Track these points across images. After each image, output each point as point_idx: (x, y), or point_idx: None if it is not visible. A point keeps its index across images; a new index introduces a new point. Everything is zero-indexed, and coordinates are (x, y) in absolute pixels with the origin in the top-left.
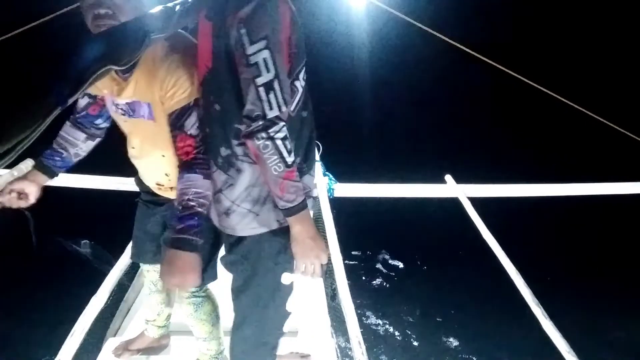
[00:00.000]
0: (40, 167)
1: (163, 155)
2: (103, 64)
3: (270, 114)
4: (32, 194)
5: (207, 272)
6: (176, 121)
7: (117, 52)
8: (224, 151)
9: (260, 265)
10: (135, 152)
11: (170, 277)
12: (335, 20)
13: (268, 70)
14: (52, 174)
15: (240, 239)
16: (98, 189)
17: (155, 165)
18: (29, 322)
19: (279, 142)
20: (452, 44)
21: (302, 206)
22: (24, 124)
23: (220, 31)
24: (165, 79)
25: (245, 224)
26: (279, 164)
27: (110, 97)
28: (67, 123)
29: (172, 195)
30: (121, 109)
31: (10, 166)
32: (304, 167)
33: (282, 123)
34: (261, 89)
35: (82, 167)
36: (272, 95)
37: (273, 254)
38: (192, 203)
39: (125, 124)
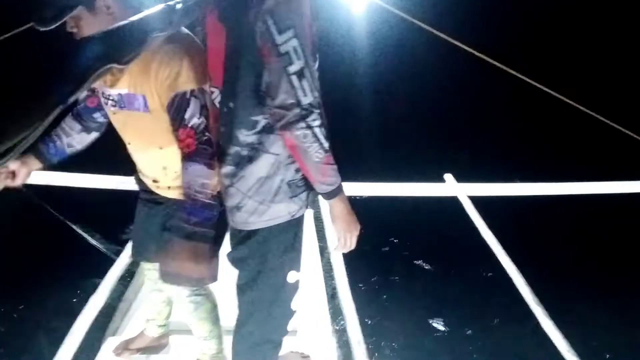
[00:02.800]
0: (34, 151)
1: (160, 148)
2: (104, 63)
3: (305, 101)
4: (21, 174)
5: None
6: (176, 114)
7: (119, 50)
8: (232, 148)
9: (266, 262)
10: (132, 147)
11: (189, 271)
12: (335, 19)
13: (299, 58)
14: (43, 159)
15: (249, 235)
16: (98, 188)
17: (153, 159)
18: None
19: (317, 130)
20: (453, 43)
21: (341, 187)
22: (24, 123)
23: (235, 32)
24: (159, 69)
25: (256, 217)
26: (319, 151)
27: (101, 87)
28: (69, 114)
29: (169, 194)
30: (112, 100)
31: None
32: None
33: (318, 111)
34: (294, 77)
35: (83, 165)
36: (304, 82)
37: (280, 251)
38: (201, 196)
39: (114, 117)
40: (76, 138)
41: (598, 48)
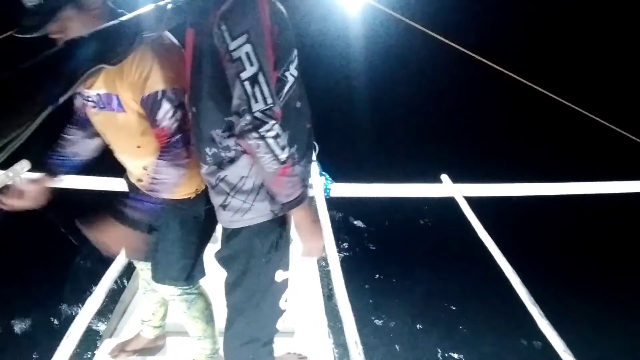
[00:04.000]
0: (42, 168)
1: (138, 147)
2: (95, 63)
3: (256, 107)
4: (31, 192)
5: (196, 269)
6: (150, 114)
7: (109, 51)
8: (210, 149)
9: (252, 262)
10: (113, 147)
11: (107, 245)
12: (331, 20)
13: (252, 64)
14: (50, 173)
15: (234, 234)
16: (97, 189)
17: (134, 159)
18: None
19: (270, 141)
20: (449, 45)
21: (301, 199)
22: (14, 124)
23: (201, 33)
24: (130, 69)
25: (239, 215)
26: (272, 162)
27: (80, 89)
28: (68, 124)
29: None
30: (92, 100)
31: (4, 167)
32: (295, 157)
33: (273, 121)
34: (246, 83)
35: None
36: (257, 89)
37: (264, 251)
38: (155, 187)
39: (95, 118)
40: (81, 146)
41: (598, 48)
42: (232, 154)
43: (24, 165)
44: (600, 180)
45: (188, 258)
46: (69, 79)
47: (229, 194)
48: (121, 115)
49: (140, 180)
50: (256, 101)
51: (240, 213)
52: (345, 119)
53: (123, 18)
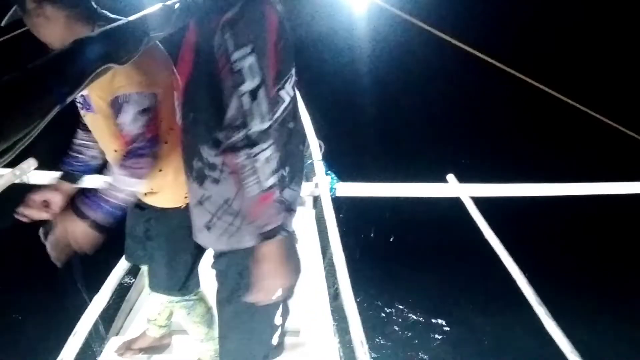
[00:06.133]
0: (62, 175)
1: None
2: (103, 63)
3: (254, 127)
4: (56, 202)
5: (190, 279)
6: (114, 117)
7: (118, 50)
8: (196, 163)
9: (244, 278)
10: (102, 149)
11: (65, 238)
12: (337, 20)
13: (253, 77)
14: (72, 179)
15: (223, 252)
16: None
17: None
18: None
19: (259, 164)
20: (454, 44)
21: (274, 233)
22: (22, 123)
23: (203, 38)
24: None
25: (226, 238)
26: (254, 185)
27: None
28: (80, 127)
29: (148, 200)
30: (79, 102)
31: (11, 166)
32: (286, 180)
33: (269, 142)
34: (245, 97)
35: None
36: (255, 104)
37: None
38: (102, 192)
39: (85, 119)
40: (95, 148)
41: (601, 48)
42: (216, 174)
43: (30, 163)
44: (607, 180)
45: (181, 269)
46: (76, 79)
47: (214, 214)
48: (97, 118)
49: None
50: (253, 119)
51: (226, 235)
52: (352, 118)
53: (131, 17)
